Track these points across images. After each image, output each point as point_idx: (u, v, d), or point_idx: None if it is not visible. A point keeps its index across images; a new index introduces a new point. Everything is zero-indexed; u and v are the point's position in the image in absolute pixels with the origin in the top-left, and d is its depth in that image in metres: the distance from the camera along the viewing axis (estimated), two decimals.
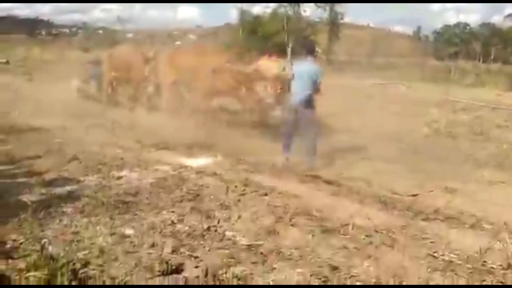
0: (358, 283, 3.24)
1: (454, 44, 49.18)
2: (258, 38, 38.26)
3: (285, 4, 39.64)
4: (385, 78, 23.81)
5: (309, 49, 6.74)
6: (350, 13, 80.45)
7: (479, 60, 47.04)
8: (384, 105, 13.06)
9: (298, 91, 6.40)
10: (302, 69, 6.50)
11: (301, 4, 40.01)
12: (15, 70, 17.09)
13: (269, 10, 40.86)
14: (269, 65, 8.53)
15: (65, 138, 7.47)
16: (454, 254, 3.71)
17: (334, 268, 3.39)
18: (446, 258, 3.65)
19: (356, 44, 47.05)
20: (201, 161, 6.54)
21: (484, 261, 3.60)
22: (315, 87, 6.37)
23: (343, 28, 43.20)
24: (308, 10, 40.84)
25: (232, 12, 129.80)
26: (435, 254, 3.70)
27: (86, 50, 11.40)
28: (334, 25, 42.08)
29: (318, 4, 40.70)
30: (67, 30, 62.38)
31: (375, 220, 4.39)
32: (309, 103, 6.38)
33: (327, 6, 41.21)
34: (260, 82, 8.05)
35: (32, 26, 62.69)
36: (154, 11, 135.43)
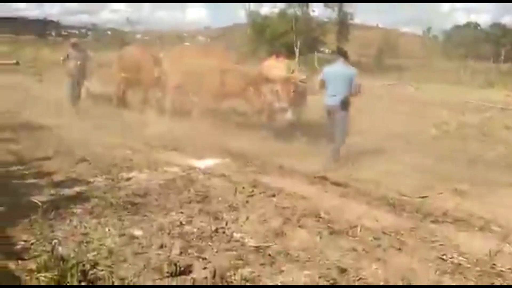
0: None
1: (464, 45, 48.66)
2: (266, 38, 38.17)
3: (294, 4, 39.48)
4: (394, 79, 23.65)
5: (341, 52, 6.80)
6: (360, 14, 79.85)
7: (490, 60, 46.56)
8: (393, 106, 12.99)
9: (333, 93, 6.40)
10: (336, 71, 6.52)
11: (309, 4, 39.84)
12: (25, 70, 17.17)
13: (277, 11, 40.72)
14: (276, 66, 8.52)
15: (74, 139, 7.50)
16: (463, 257, 3.69)
17: (342, 270, 3.39)
18: (455, 261, 3.64)
19: (365, 45, 46.65)
20: (209, 163, 6.56)
21: (494, 264, 3.59)
22: (352, 89, 6.37)
23: (352, 28, 42.76)
24: (317, 11, 40.66)
25: (240, 13, 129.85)
26: (444, 257, 3.69)
27: (74, 46, 11.15)
28: (343, 25, 41.76)
29: (327, 4, 40.48)
30: (76, 31, 62.57)
31: (384, 222, 4.38)
32: (345, 105, 6.39)
33: (336, 6, 40.95)
34: (267, 83, 8.03)
35: (41, 27, 62.85)
36: (163, 12, 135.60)
